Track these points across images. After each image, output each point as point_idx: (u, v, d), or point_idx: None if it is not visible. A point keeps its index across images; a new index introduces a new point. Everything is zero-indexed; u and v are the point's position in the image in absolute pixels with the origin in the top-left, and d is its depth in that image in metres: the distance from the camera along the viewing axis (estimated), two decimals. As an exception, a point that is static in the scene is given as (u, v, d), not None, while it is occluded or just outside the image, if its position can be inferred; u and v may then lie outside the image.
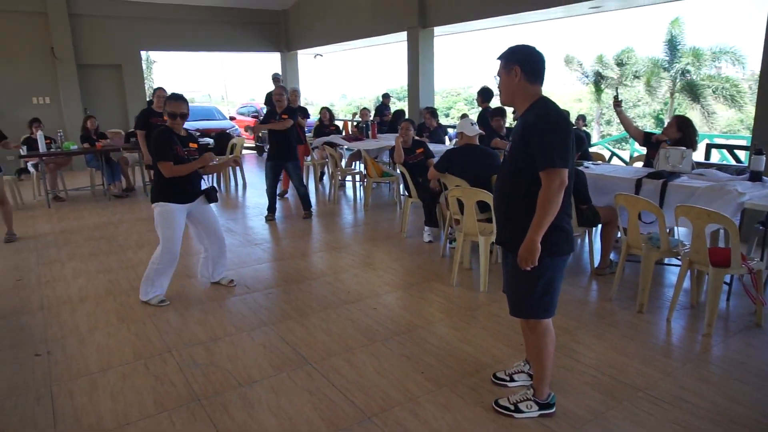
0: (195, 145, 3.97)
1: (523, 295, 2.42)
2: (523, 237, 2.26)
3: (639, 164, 5.56)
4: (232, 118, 14.78)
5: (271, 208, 6.55)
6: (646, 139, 5.14)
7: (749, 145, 5.84)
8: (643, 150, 5.57)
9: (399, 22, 9.51)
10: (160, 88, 7.06)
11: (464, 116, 9.50)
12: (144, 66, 12.90)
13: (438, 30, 9.36)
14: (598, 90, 26.28)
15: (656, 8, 33.51)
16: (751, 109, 24.08)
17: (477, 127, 4.67)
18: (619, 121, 4.89)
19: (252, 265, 4.88)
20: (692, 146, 4.69)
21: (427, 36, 9.18)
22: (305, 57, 14.69)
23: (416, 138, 5.75)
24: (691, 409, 2.57)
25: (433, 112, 8.11)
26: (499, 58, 2.37)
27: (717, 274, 3.29)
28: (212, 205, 4.12)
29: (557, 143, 2.17)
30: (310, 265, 4.89)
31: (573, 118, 9.08)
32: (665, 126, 5.00)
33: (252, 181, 9.36)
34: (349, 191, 8.59)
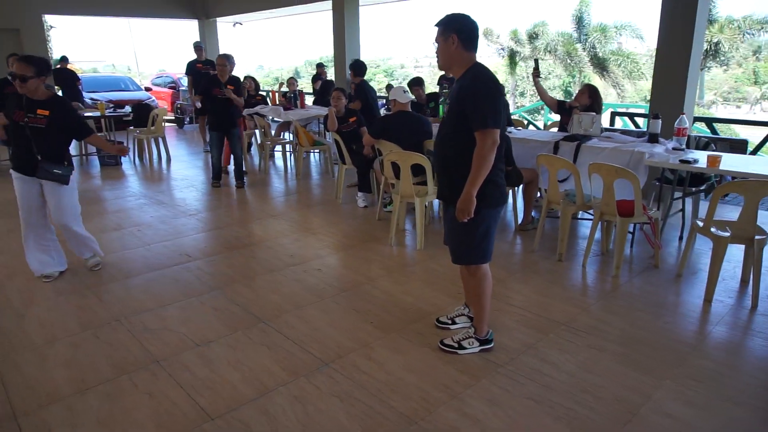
0: (46, 112, 3.56)
1: (463, 243, 2.69)
2: (461, 191, 2.51)
3: (554, 130, 6.04)
4: (147, 89, 14.01)
5: (217, 176, 6.66)
6: (559, 106, 5.60)
7: (647, 113, 6.49)
8: (556, 117, 6.06)
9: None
10: (12, 55, 6.30)
11: (389, 86, 9.69)
12: (43, 31, 11.84)
13: (362, 0, 9.40)
14: (513, 64, 27.36)
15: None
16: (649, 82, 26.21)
17: (409, 94, 4.88)
18: (535, 90, 5.29)
19: (190, 235, 4.85)
20: (599, 112, 5.19)
21: (353, 5, 9.19)
22: (224, 25, 14.13)
23: (348, 107, 5.86)
24: (604, 336, 3.00)
25: (420, 82, 8.07)
26: (437, 25, 2.56)
27: (623, 223, 3.75)
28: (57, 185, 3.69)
29: (489, 106, 2.40)
30: (249, 232, 4.94)
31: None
32: (576, 94, 5.46)
33: (175, 154, 9.06)
34: (279, 161, 8.57)
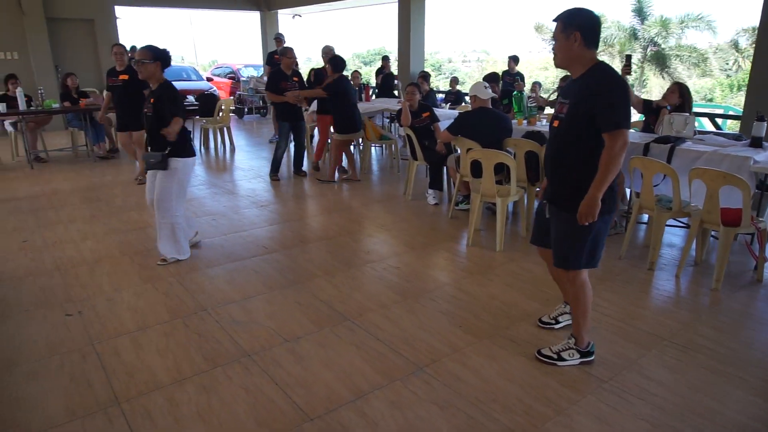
0: (152, 100, 3.78)
1: (572, 248, 2.54)
2: (578, 195, 2.37)
3: (632, 131, 5.74)
4: (209, 79, 14.32)
5: (276, 169, 6.74)
6: (645, 105, 5.31)
7: (725, 113, 6.11)
8: (637, 116, 5.76)
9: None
10: (116, 45, 6.53)
11: (455, 79, 9.53)
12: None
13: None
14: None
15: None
16: (719, 77, 24.87)
17: (490, 90, 4.73)
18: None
19: (264, 226, 4.87)
20: (690, 112, 4.89)
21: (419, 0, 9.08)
22: (284, 17, 14.27)
23: (422, 102, 5.76)
24: (713, 355, 2.79)
25: (425, 76, 8.10)
26: (556, 20, 2.41)
27: (727, 233, 3.50)
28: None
29: (621, 105, 2.28)
30: (322, 225, 4.92)
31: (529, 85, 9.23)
32: (665, 92, 5.16)
33: (238, 144, 9.20)
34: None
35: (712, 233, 4.14)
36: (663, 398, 2.44)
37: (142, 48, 3.74)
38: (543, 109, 6.32)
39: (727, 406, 2.40)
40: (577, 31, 2.33)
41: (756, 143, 4.16)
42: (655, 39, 22.84)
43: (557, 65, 2.48)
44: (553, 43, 2.45)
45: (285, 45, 8.79)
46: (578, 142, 2.39)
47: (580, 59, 2.38)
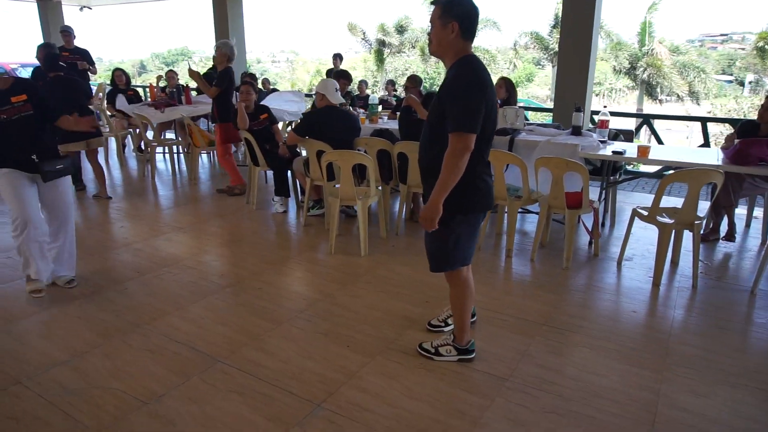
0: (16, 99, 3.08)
1: (437, 249, 2.47)
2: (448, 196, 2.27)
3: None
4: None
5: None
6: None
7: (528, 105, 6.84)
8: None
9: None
10: None
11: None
12: None
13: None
14: (381, 58, 27.81)
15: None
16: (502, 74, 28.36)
17: (340, 95, 4.50)
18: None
19: (103, 253, 3.99)
20: (516, 105, 5.28)
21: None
22: (70, 9, 12.27)
23: (258, 103, 5.30)
24: (590, 332, 2.96)
25: (252, 77, 7.56)
26: (435, 4, 2.25)
27: (572, 215, 3.80)
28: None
29: (465, 106, 2.14)
30: (155, 250, 4.19)
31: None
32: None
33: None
34: (160, 163, 7.60)
35: (554, 217, 4.49)
36: (560, 385, 2.48)
37: None
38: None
39: (615, 380, 2.52)
40: (455, 21, 2.20)
41: (576, 131, 4.61)
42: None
43: (431, 52, 2.33)
44: (429, 27, 2.30)
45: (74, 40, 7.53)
46: (441, 139, 2.23)
47: (455, 50, 2.25)
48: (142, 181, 6.59)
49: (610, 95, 32.20)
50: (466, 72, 2.20)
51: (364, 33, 27.73)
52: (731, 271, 3.90)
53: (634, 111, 22.11)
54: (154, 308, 3.21)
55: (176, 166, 7.22)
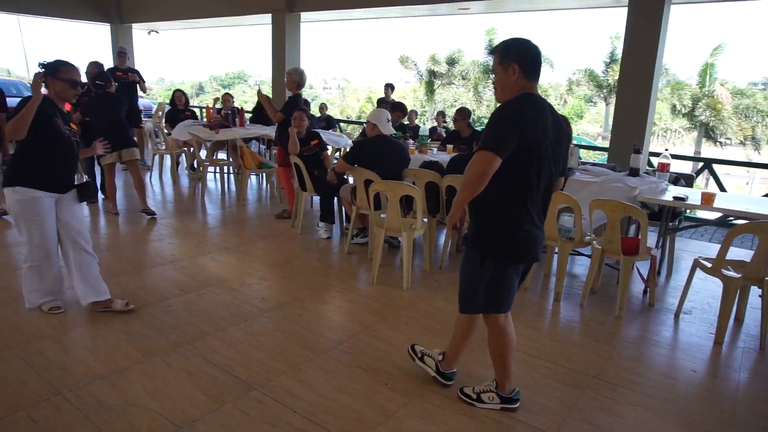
0: (75, 127, 3.17)
1: (464, 290, 2.44)
2: (478, 230, 2.30)
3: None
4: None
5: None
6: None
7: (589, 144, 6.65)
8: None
9: (262, 4, 8.86)
10: None
11: (324, 105, 9.27)
12: None
13: (304, 16, 8.96)
14: (431, 89, 28.05)
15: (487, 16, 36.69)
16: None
17: (391, 126, 4.50)
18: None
19: (123, 275, 4.07)
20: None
21: (294, 20, 8.72)
22: (139, 32, 12.98)
23: (311, 129, 5.37)
24: (645, 390, 2.76)
25: (306, 103, 7.69)
26: (493, 53, 2.26)
27: (627, 262, 3.61)
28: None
29: (494, 131, 2.12)
30: (200, 270, 4.24)
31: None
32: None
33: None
34: (210, 183, 7.80)
35: (606, 261, 4.29)
36: (612, 447, 2.30)
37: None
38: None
39: (671, 447, 2.32)
40: (514, 63, 2.16)
41: (634, 173, 4.44)
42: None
43: (498, 100, 2.28)
44: (493, 77, 2.27)
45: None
46: (491, 179, 2.16)
47: (517, 92, 2.20)
48: (192, 199, 6.75)
49: (665, 135, 31.29)
50: (508, 104, 2.18)
51: (416, 64, 28.14)
52: (803, 333, 3.60)
53: (690, 153, 21.30)
54: (195, 328, 3.22)
55: (226, 186, 7.39)
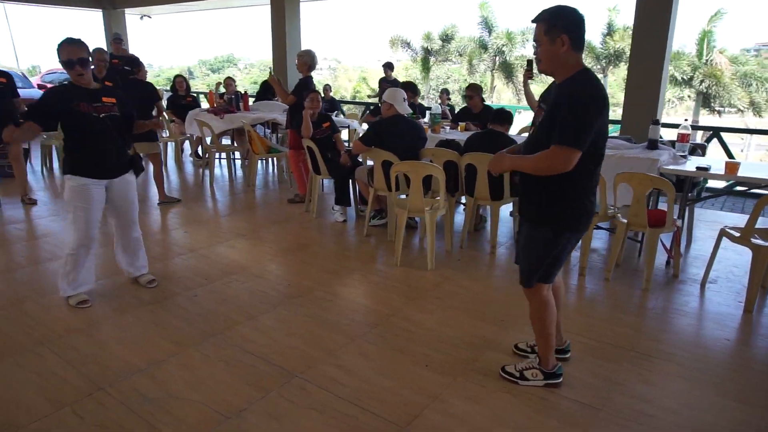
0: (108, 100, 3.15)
1: (531, 268, 2.37)
2: (545, 207, 2.24)
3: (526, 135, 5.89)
4: (41, 87, 12.22)
5: None
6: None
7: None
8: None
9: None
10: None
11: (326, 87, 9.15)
12: None
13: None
14: (426, 67, 27.75)
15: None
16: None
17: (407, 105, 4.44)
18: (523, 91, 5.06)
19: (170, 259, 4.03)
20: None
21: (293, 2, 8.55)
22: (131, 17, 12.72)
23: (320, 111, 5.29)
24: (681, 361, 2.77)
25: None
26: (537, 21, 2.14)
27: (653, 234, 3.60)
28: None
29: (580, 122, 2.04)
30: (220, 258, 4.20)
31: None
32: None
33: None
34: (216, 169, 7.71)
35: (629, 235, 4.28)
36: (660, 419, 2.31)
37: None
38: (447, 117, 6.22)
39: (722, 417, 2.33)
40: (564, 34, 2.08)
41: (653, 145, 4.40)
42: (503, 49, 24.82)
43: (541, 71, 2.22)
44: (535, 46, 2.19)
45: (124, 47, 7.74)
46: None
47: (566, 65, 2.13)
48: (200, 186, 6.69)
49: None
50: (585, 88, 2.09)
51: (408, 43, 27.74)
52: (828, 298, 3.62)
53: (687, 122, 21.19)
54: (225, 317, 3.20)
55: (233, 172, 7.32)
